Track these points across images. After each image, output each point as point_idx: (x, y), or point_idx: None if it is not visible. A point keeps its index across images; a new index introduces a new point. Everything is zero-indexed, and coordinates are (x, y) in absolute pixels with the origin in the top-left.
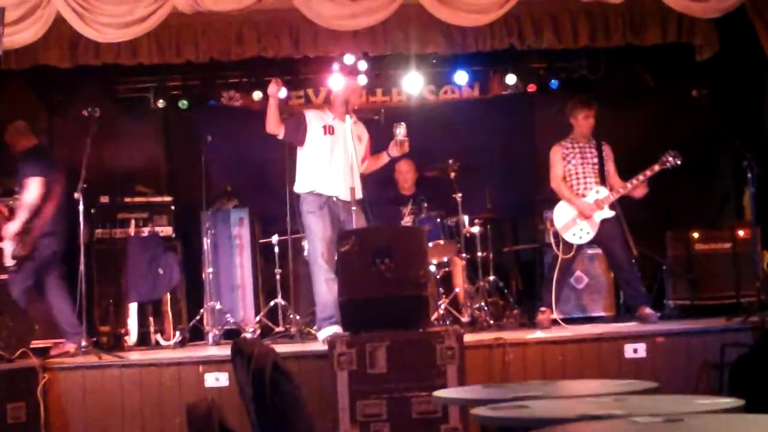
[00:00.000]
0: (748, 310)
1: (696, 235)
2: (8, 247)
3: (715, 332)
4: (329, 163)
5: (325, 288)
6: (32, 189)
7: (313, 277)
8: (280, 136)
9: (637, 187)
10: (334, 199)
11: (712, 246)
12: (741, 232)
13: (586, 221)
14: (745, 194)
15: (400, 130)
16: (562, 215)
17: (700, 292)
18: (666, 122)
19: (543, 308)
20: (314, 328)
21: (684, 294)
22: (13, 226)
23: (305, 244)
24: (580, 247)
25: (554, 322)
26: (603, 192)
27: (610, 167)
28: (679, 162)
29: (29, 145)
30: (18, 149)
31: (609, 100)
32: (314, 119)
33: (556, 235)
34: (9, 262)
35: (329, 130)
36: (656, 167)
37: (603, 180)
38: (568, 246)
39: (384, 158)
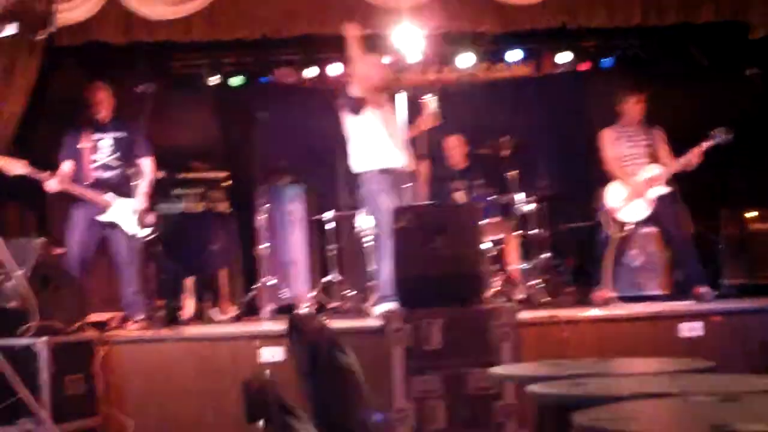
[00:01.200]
0: None
1: (752, 214)
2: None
3: None
4: (389, 135)
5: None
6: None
7: (381, 253)
8: (355, 95)
9: (690, 159)
10: (400, 171)
11: (767, 225)
12: None
13: (639, 199)
14: None
15: (432, 103)
16: (614, 194)
17: (756, 272)
18: (719, 101)
19: (599, 286)
20: (369, 303)
21: (740, 273)
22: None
23: (357, 220)
24: (635, 225)
25: (610, 300)
26: (656, 169)
27: (663, 149)
28: (730, 138)
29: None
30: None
31: (661, 78)
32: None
33: (609, 214)
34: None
35: (379, 103)
36: (705, 144)
37: (655, 160)
38: (622, 225)
39: (414, 131)
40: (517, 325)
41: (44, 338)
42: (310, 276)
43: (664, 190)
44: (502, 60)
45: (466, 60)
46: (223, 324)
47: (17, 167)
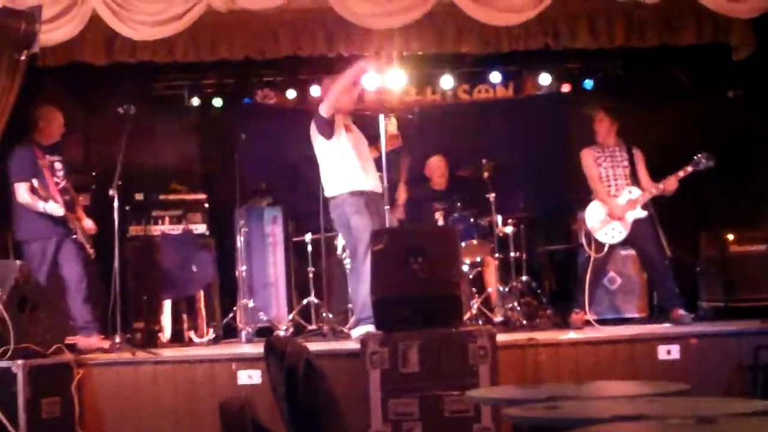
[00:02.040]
0: None
1: (731, 236)
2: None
3: (749, 334)
4: (358, 158)
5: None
6: None
7: (357, 276)
8: (326, 116)
9: (667, 186)
10: (371, 193)
11: (747, 248)
12: None
13: (618, 221)
14: None
15: (392, 125)
16: (594, 215)
17: (734, 294)
18: (701, 122)
19: (576, 309)
20: (347, 326)
21: (718, 296)
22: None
23: (338, 242)
24: (612, 247)
25: (587, 323)
26: (635, 192)
27: (642, 171)
28: (711, 164)
29: None
30: None
31: (644, 100)
32: (337, 118)
33: (588, 234)
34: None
35: (348, 127)
36: (689, 168)
37: (635, 182)
38: (600, 246)
39: (375, 153)
40: (494, 347)
41: (21, 361)
42: (289, 298)
43: (642, 213)
44: (483, 81)
45: (447, 81)
46: (201, 346)
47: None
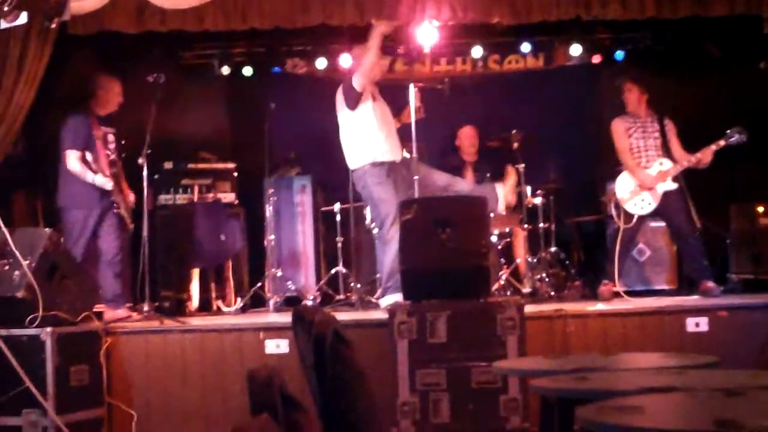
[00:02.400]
0: None
1: (761, 209)
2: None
3: None
4: (381, 128)
5: (396, 257)
6: None
7: (383, 246)
8: (359, 89)
9: (701, 158)
10: (392, 163)
11: None
12: None
13: (648, 192)
14: None
15: (414, 97)
16: (624, 186)
17: (764, 266)
18: (732, 95)
19: (605, 280)
20: (375, 296)
21: (747, 268)
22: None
23: (366, 212)
24: (642, 218)
25: (616, 295)
26: (666, 164)
27: (674, 141)
28: (744, 138)
29: None
30: None
31: (674, 72)
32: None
33: (618, 205)
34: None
35: (374, 97)
36: (721, 142)
37: (666, 153)
38: (629, 217)
39: (397, 124)
40: (522, 318)
41: (49, 329)
42: (317, 268)
43: (672, 185)
44: (514, 52)
45: (477, 51)
46: (229, 315)
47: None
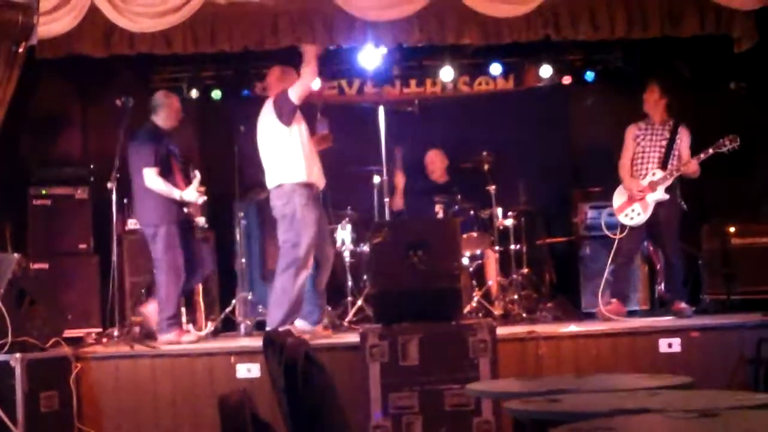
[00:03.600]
0: None
1: (733, 229)
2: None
3: (751, 327)
4: (311, 150)
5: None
6: None
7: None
8: (297, 103)
9: (689, 166)
10: (316, 187)
11: (749, 240)
12: None
13: (638, 203)
14: None
15: (323, 125)
16: (618, 196)
17: (736, 287)
18: (703, 115)
19: (612, 299)
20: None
21: (720, 288)
22: None
23: (337, 235)
24: (636, 231)
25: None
26: (658, 174)
27: (684, 150)
28: (736, 146)
29: None
30: None
31: (645, 92)
32: None
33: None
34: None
35: (299, 118)
36: (710, 150)
37: (666, 163)
38: (621, 227)
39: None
40: (495, 341)
41: (19, 354)
42: None
43: (663, 196)
44: (484, 73)
45: (447, 73)
46: (199, 340)
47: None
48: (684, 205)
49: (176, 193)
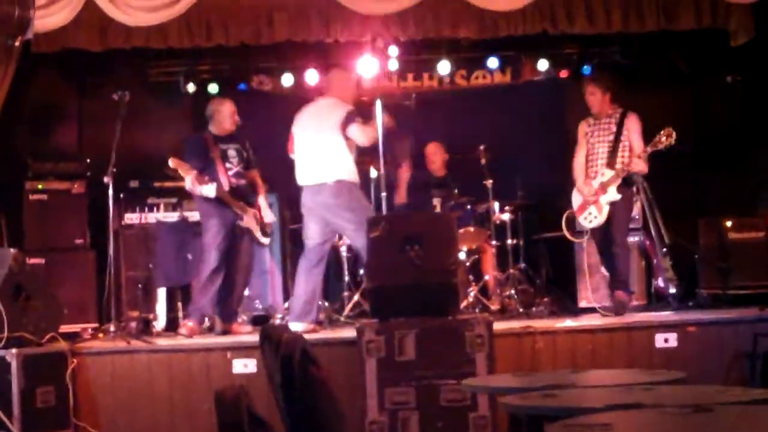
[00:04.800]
0: None
1: (729, 223)
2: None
3: (747, 322)
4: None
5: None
6: None
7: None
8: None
9: (634, 164)
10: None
11: (745, 235)
12: None
13: (593, 205)
14: None
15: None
16: (576, 198)
17: (732, 281)
18: (700, 108)
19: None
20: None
21: (716, 283)
22: None
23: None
24: (594, 231)
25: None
26: (607, 174)
27: (635, 140)
28: (672, 141)
29: None
30: None
31: (642, 85)
32: None
33: (569, 218)
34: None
35: None
36: (648, 148)
37: (614, 159)
38: (581, 230)
39: None
40: (491, 336)
41: (15, 350)
42: (284, 287)
43: (615, 196)
44: (481, 67)
45: (444, 67)
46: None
47: (186, 172)
48: (644, 199)
49: (197, 189)
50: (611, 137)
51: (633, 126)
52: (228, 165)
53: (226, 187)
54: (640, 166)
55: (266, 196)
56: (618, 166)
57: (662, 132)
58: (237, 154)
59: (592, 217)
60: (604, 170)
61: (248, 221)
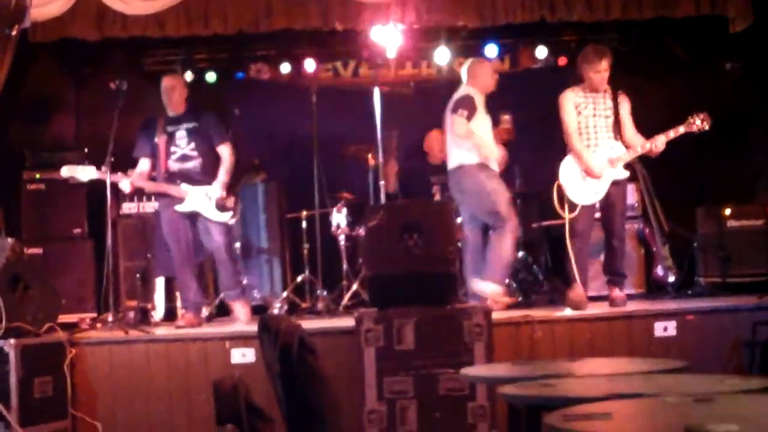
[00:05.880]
0: None
1: (728, 211)
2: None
3: (746, 310)
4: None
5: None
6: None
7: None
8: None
9: (658, 144)
10: None
11: (744, 222)
12: None
13: (595, 180)
14: None
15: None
16: (569, 171)
17: (731, 270)
18: (698, 96)
19: (572, 284)
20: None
21: (715, 271)
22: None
23: (332, 219)
24: (589, 209)
25: (583, 301)
26: (618, 149)
27: (627, 121)
28: (707, 126)
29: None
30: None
31: (640, 73)
32: None
33: (559, 191)
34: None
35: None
36: (681, 129)
37: (618, 135)
38: (572, 206)
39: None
40: (490, 325)
41: (13, 340)
42: (283, 276)
43: (622, 173)
44: (479, 55)
45: (442, 55)
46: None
47: (88, 173)
48: (643, 187)
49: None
50: (609, 113)
51: (627, 105)
52: (173, 148)
53: (166, 172)
54: (662, 147)
55: (228, 171)
56: (636, 144)
57: (699, 115)
58: (187, 134)
59: (591, 193)
60: (613, 144)
61: (192, 203)
